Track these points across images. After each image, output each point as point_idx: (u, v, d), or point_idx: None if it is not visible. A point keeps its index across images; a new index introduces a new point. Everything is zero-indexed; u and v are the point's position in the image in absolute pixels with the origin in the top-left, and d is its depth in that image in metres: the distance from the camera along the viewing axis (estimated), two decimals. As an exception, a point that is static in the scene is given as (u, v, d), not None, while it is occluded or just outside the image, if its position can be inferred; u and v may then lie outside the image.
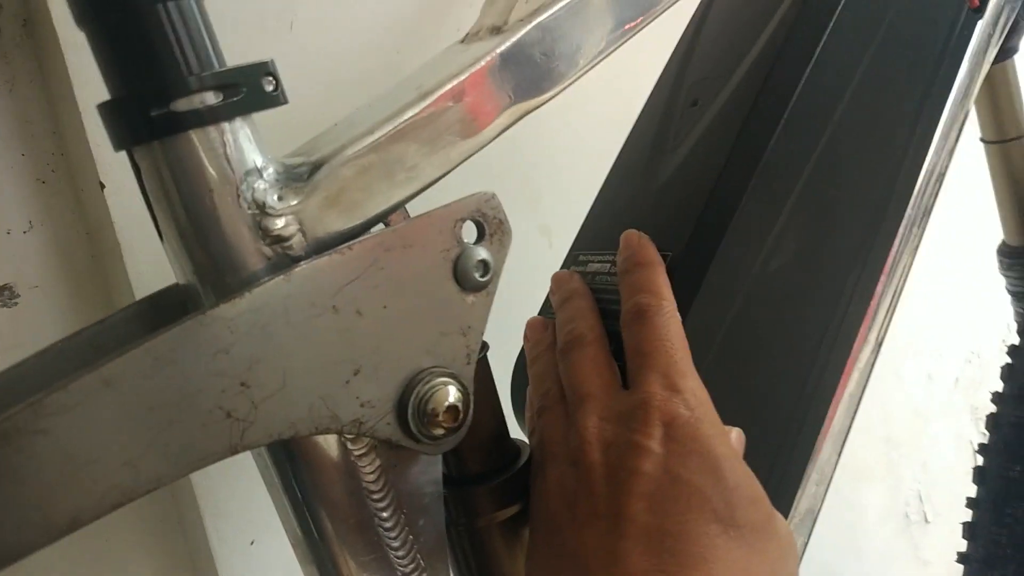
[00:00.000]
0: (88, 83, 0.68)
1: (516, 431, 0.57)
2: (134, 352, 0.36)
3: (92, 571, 0.77)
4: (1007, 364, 1.02)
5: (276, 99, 0.42)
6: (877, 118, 0.61)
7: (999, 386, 1.03)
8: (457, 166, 0.49)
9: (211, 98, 0.40)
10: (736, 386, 0.57)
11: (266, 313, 0.39)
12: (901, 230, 0.63)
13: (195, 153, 0.40)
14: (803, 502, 0.62)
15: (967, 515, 1.02)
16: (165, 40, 0.39)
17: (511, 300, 0.57)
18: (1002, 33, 0.70)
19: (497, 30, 0.52)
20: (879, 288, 0.62)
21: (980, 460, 1.02)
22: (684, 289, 0.54)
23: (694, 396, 0.48)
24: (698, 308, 0.54)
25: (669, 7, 0.57)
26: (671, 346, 0.50)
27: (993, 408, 1.02)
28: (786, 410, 0.59)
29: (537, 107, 0.51)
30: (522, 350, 0.61)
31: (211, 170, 0.40)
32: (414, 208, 0.47)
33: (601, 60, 0.54)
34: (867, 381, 0.64)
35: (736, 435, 0.51)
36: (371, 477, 0.45)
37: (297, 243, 0.43)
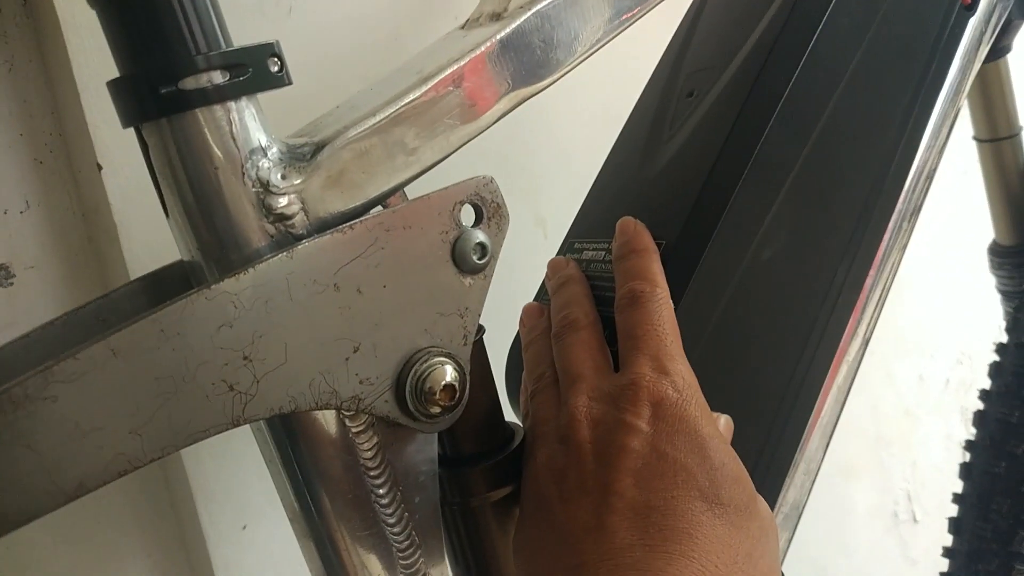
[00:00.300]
0: (87, 64, 0.68)
1: (511, 416, 0.58)
2: (141, 323, 0.37)
3: (85, 555, 0.77)
4: (995, 362, 1.03)
5: (281, 80, 0.43)
6: (869, 112, 0.62)
7: (987, 384, 1.04)
8: (456, 150, 0.49)
9: (218, 77, 0.41)
10: (726, 373, 0.57)
11: (269, 289, 0.40)
12: (891, 225, 0.63)
13: (201, 131, 0.41)
14: (790, 493, 0.63)
15: (954, 511, 1.03)
16: (174, 20, 0.40)
17: (507, 287, 0.58)
18: (994, 31, 0.70)
19: (497, 17, 0.52)
20: (868, 282, 0.63)
21: (966, 456, 1.02)
22: (678, 277, 0.54)
23: (682, 378, 0.49)
24: (691, 295, 0.55)
25: (665, -2, 0.58)
26: (662, 331, 0.51)
27: (980, 405, 1.03)
28: (775, 399, 0.60)
29: (535, 93, 0.52)
30: (517, 335, 0.62)
31: (217, 148, 0.41)
32: (412, 192, 0.48)
33: (599, 48, 0.54)
34: (855, 375, 0.65)
35: (724, 421, 0.52)
36: (368, 454, 0.46)
37: (299, 221, 0.44)
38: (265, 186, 0.42)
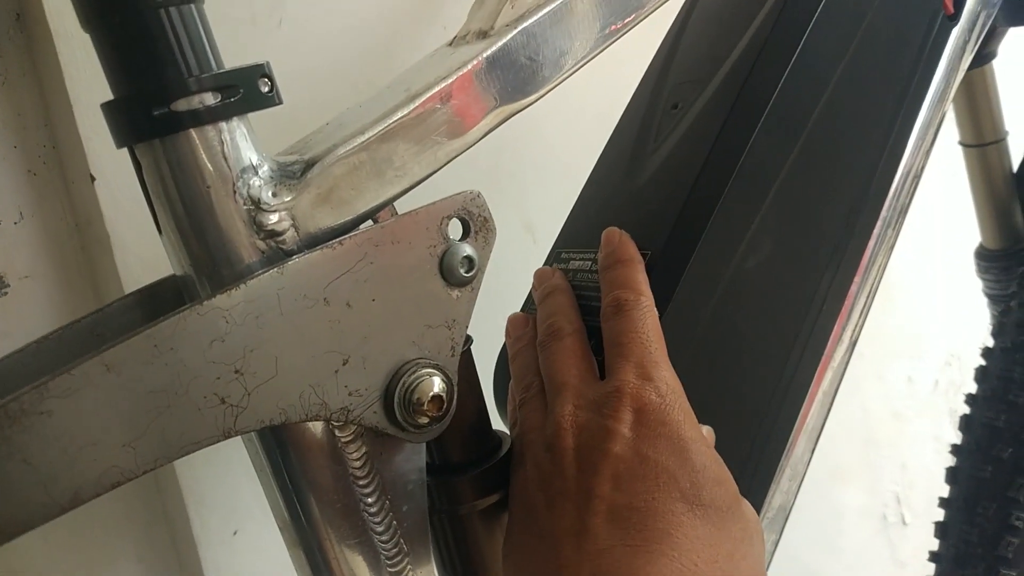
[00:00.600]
0: (80, 77, 0.69)
1: (499, 425, 0.59)
2: (135, 339, 0.38)
3: (78, 561, 0.78)
4: (981, 366, 1.03)
5: (271, 100, 0.44)
6: (853, 122, 0.63)
7: (974, 388, 1.04)
8: (444, 165, 0.50)
9: (210, 99, 0.42)
10: (713, 380, 0.58)
11: (260, 304, 0.41)
12: (876, 230, 0.64)
13: (194, 151, 0.42)
14: (776, 498, 0.64)
15: (941, 515, 1.04)
16: (167, 43, 0.41)
17: (496, 293, 0.59)
18: (978, 39, 0.71)
19: (484, 34, 0.53)
20: (854, 287, 0.64)
21: (953, 461, 1.03)
22: (663, 286, 0.55)
23: (666, 384, 0.50)
24: (676, 304, 0.56)
25: (652, 12, 0.59)
26: (646, 338, 0.52)
27: (967, 409, 1.04)
28: (761, 404, 0.61)
29: (522, 109, 0.53)
30: (504, 346, 0.63)
31: (209, 167, 0.42)
32: (402, 206, 0.49)
33: (585, 64, 0.55)
34: (841, 380, 0.66)
35: (706, 431, 0.53)
36: (357, 463, 0.47)
37: (290, 238, 0.44)
38: (256, 203, 0.43)
